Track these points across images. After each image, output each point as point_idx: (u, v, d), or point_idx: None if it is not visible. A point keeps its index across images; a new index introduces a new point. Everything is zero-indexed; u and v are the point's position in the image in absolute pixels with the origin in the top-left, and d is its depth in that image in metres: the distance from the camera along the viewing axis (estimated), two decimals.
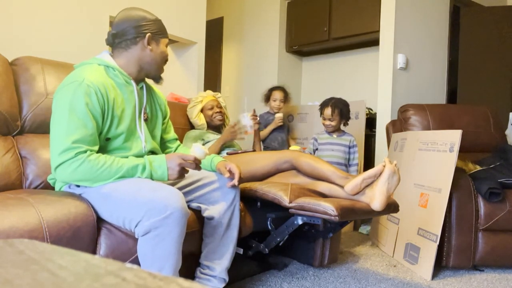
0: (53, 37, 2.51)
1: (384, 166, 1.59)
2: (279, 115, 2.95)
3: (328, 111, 2.46)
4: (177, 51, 3.65)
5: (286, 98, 3.05)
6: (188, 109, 2.53)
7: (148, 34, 1.39)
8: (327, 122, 2.48)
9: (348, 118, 2.52)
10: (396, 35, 3.04)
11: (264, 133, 2.95)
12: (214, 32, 4.63)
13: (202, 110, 2.50)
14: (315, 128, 3.42)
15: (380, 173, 1.59)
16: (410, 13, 3.15)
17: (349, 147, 2.50)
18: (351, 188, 1.63)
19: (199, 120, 2.48)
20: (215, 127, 2.52)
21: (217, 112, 2.49)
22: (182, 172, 1.34)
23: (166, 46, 1.48)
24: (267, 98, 3.07)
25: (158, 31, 1.42)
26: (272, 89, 3.08)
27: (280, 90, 3.05)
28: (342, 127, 2.56)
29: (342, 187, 1.68)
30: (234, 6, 4.60)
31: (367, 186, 1.64)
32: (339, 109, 2.46)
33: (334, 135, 2.52)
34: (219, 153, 2.33)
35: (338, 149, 2.48)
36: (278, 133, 2.99)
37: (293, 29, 4.13)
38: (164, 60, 1.48)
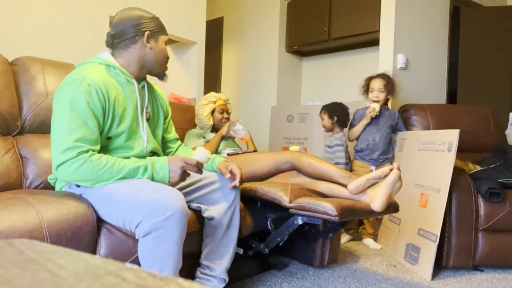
0: (53, 37, 2.51)
1: (391, 170, 1.59)
2: (373, 105, 2.45)
3: (379, 81, 2.53)
4: (177, 51, 3.65)
5: (387, 87, 2.50)
6: (198, 106, 2.45)
7: (147, 32, 1.39)
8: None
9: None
10: (396, 35, 3.04)
11: (356, 130, 2.56)
12: (214, 32, 4.63)
13: (212, 111, 2.45)
14: (315, 128, 3.42)
15: (385, 175, 1.59)
16: (410, 13, 3.15)
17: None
18: (354, 187, 1.64)
19: (209, 120, 2.41)
20: (217, 130, 2.50)
21: (226, 117, 2.46)
22: (184, 175, 1.34)
23: (166, 44, 1.48)
24: (366, 89, 2.57)
25: (157, 28, 1.42)
26: (370, 78, 2.57)
27: (379, 79, 2.52)
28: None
29: (345, 186, 1.68)
30: (234, 6, 4.60)
31: (369, 186, 1.64)
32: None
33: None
34: (217, 151, 2.32)
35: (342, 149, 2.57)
36: (373, 127, 2.52)
37: (293, 29, 4.12)
38: (165, 57, 1.47)
